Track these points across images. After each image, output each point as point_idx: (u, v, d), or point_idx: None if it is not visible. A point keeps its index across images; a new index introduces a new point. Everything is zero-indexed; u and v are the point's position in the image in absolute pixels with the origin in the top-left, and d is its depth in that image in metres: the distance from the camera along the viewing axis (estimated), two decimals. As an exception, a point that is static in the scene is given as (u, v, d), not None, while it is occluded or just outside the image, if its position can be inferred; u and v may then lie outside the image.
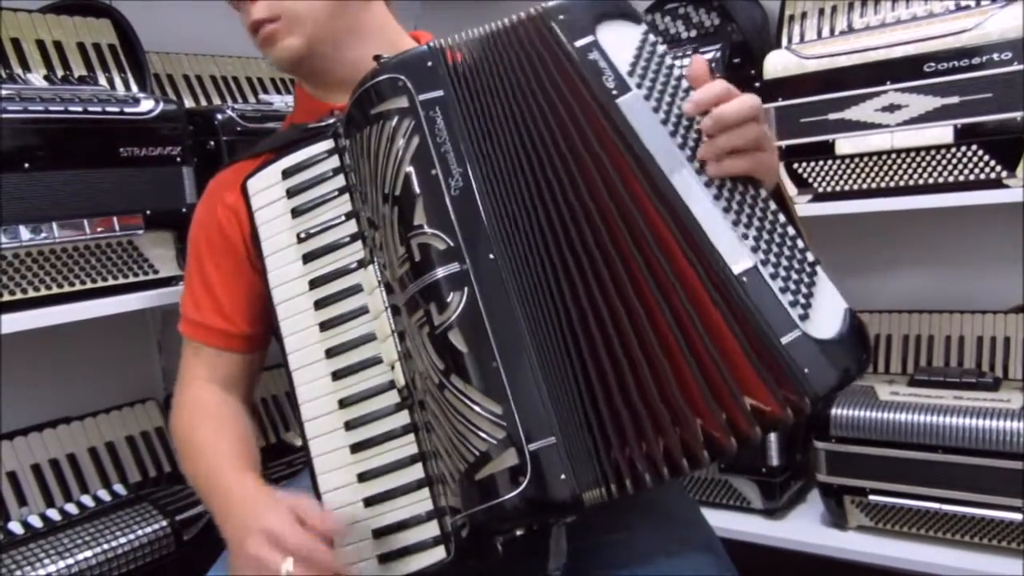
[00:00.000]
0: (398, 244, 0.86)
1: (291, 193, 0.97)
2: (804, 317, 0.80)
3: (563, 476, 0.79)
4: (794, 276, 0.82)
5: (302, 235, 0.96)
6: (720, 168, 0.84)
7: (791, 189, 1.66)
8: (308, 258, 0.95)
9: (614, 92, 0.86)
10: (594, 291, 0.83)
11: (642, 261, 0.83)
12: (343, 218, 0.94)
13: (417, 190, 0.86)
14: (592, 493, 0.80)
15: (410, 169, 0.86)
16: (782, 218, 0.84)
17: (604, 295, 0.83)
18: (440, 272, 0.83)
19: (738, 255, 0.82)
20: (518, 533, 0.81)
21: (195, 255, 1.12)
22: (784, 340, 0.79)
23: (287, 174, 0.98)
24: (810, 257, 0.83)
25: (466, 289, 0.82)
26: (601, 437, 0.81)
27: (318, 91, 1.11)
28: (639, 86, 0.87)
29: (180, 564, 1.38)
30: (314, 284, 0.94)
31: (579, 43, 0.88)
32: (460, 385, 0.81)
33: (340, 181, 0.95)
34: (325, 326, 0.93)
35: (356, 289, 0.92)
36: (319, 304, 0.94)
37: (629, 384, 0.81)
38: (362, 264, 0.92)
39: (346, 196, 0.94)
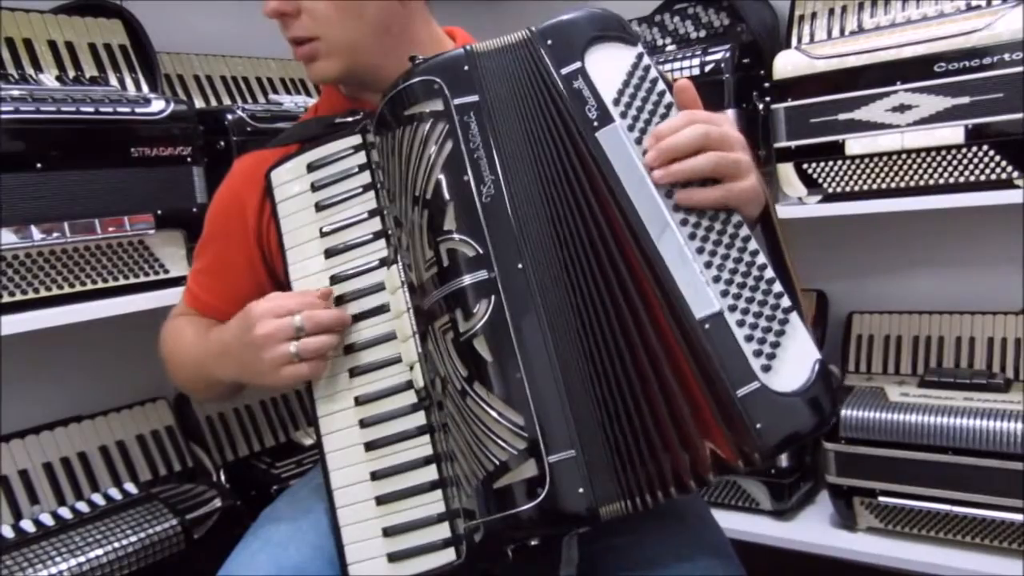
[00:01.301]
0: (426, 247, 0.85)
1: (315, 187, 0.96)
2: (767, 368, 0.79)
3: (581, 489, 0.79)
4: (763, 323, 0.80)
5: (325, 230, 0.95)
6: (689, 199, 0.82)
7: (800, 189, 1.66)
8: (330, 253, 0.95)
9: (595, 124, 0.84)
10: (600, 317, 0.83)
11: (622, 298, 0.82)
12: (367, 215, 0.94)
13: (448, 195, 0.85)
14: (609, 507, 0.80)
15: (442, 174, 0.85)
16: (760, 259, 0.82)
17: (608, 321, 0.83)
18: (467, 279, 0.83)
19: (704, 299, 0.80)
20: (533, 543, 0.81)
21: (210, 233, 1.13)
22: (740, 392, 0.78)
23: (312, 167, 0.97)
24: (784, 303, 0.80)
25: (493, 298, 0.82)
26: (618, 452, 0.81)
27: (350, 90, 1.09)
28: (623, 115, 0.85)
29: (190, 563, 1.39)
30: (335, 280, 0.94)
31: (565, 70, 0.86)
32: (483, 393, 0.81)
33: (365, 178, 0.94)
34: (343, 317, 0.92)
35: (378, 287, 0.92)
36: (339, 300, 0.93)
37: (634, 404, 0.82)
38: (385, 263, 0.92)
39: (371, 193, 0.94)
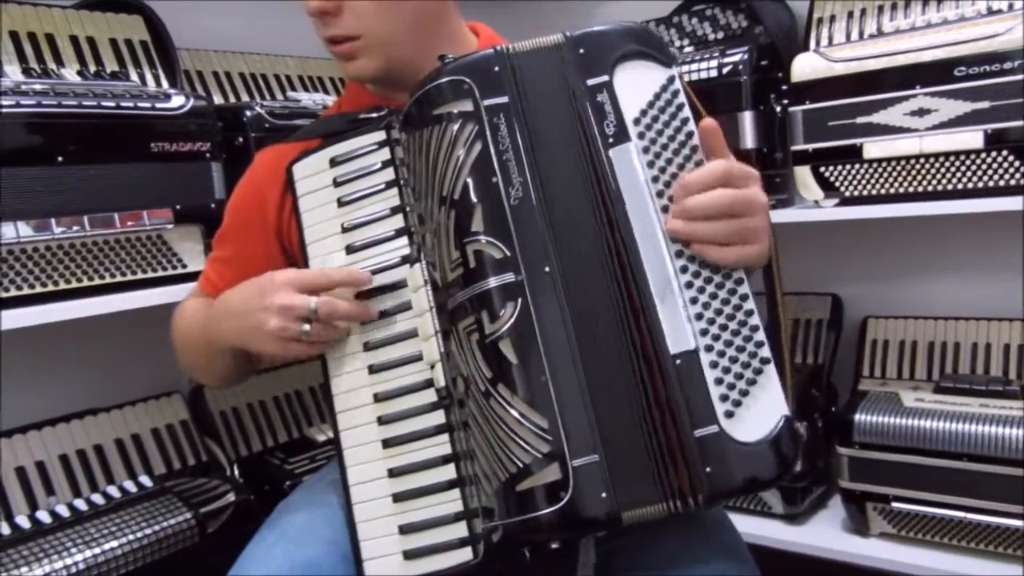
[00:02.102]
0: (452, 248, 0.85)
1: (338, 182, 0.96)
2: (730, 414, 0.79)
3: (604, 494, 0.79)
4: (736, 369, 0.80)
5: (347, 225, 0.95)
6: (701, 254, 0.82)
7: (817, 193, 1.66)
8: (351, 250, 0.95)
9: (610, 140, 0.84)
10: (610, 327, 0.84)
11: (623, 312, 0.83)
12: (389, 212, 0.94)
13: (476, 197, 0.85)
14: (631, 512, 0.80)
15: (470, 175, 0.85)
16: (748, 305, 0.82)
17: (616, 333, 0.83)
18: (493, 281, 0.83)
19: (681, 335, 0.81)
20: (553, 546, 0.82)
21: (230, 224, 1.14)
22: (698, 432, 0.79)
23: (335, 162, 0.97)
24: (763, 353, 0.81)
25: (520, 300, 0.82)
26: (640, 458, 0.81)
27: (378, 87, 1.09)
28: (641, 136, 0.84)
29: (204, 556, 1.39)
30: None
31: (591, 81, 0.86)
32: (507, 395, 0.81)
33: (389, 175, 0.94)
34: (364, 320, 0.93)
35: (399, 284, 0.92)
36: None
37: (642, 415, 0.82)
38: (406, 260, 0.92)
39: (394, 190, 0.94)
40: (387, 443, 0.90)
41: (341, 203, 0.96)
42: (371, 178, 0.95)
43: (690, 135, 0.84)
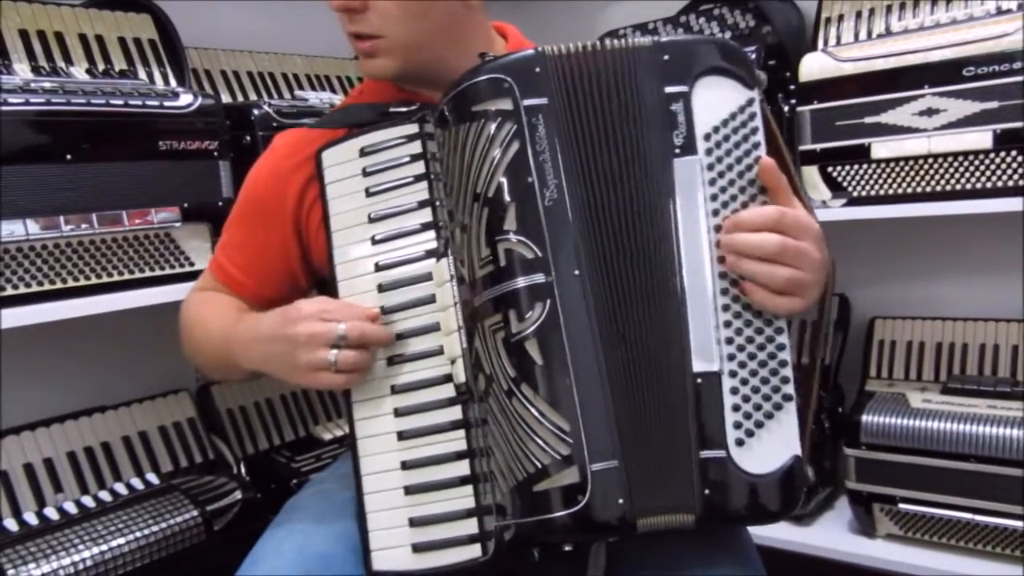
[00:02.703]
0: (483, 245, 0.85)
1: (367, 172, 0.96)
2: (740, 443, 0.79)
3: (620, 500, 0.79)
4: (755, 401, 0.80)
5: (373, 216, 0.95)
6: (746, 294, 0.81)
7: (825, 193, 1.65)
8: (377, 240, 0.94)
9: (676, 150, 0.83)
10: (638, 335, 0.84)
11: (650, 325, 0.83)
12: (416, 205, 0.93)
13: (510, 196, 0.84)
14: (646, 520, 0.80)
15: (506, 174, 0.84)
16: (781, 339, 0.81)
17: (643, 341, 0.84)
18: (522, 281, 0.82)
19: (706, 355, 0.80)
20: (566, 548, 0.82)
21: (245, 207, 1.12)
22: (704, 453, 0.79)
23: (365, 152, 0.96)
24: (786, 390, 0.80)
25: (548, 302, 0.81)
26: (658, 468, 0.81)
27: (402, 83, 1.08)
28: (708, 152, 0.83)
29: (210, 553, 1.40)
30: (380, 267, 0.94)
31: (669, 88, 0.85)
32: (529, 395, 0.80)
33: (419, 168, 0.94)
34: (386, 311, 0.92)
35: (423, 278, 0.92)
36: (382, 288, 0.93)
37: (660, 425, 0.82)
38: (432, 254, 0.92)
39: (423, 184, 0.93)
40: (402, 435, 0.90)
41: (369, 193, 0.95)
42: (401, 170, 0.94)
43: (757, 160, 0.84)
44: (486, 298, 0.84)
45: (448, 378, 0.89)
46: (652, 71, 0.85)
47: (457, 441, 0.88)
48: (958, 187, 1.52)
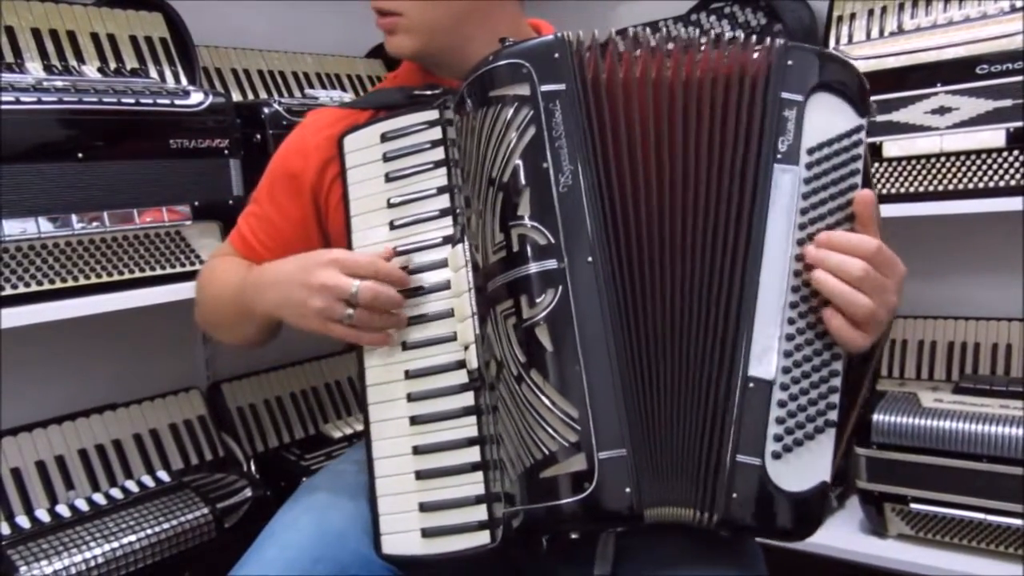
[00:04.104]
0: (497, 231, 0.85)
1: (387, 158, 0.96)
2: (777, 455, 0.78)
3: (628, 489, 0.78)
4: (800, 418, 0.79)
5: (393, 201, 0.95)
6: (824, 321, 0.80)
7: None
8: (394, 225, 0.95)
9: (778, 156, 0.82)
10: (657, 328, 0.83)
11: (695, 319, 0.83)
12: (435, 191, 0.93)
13: (525, 181, 0.84)
14: (653, 511, 0.80)
15: (521, 159, 0.84)
16: (837, 366, 0.81)
17: (661, 332, 0.83)
18: (535, 267, 0.82)
19: (765, 361, 0.80)
20: (573, 536, 0.81)
21: (272, 177, 1.13)
22: (739, 457, 0.78)
23: (386, 137, 0.97)
24: (831, 416, 0.80)
25: (560, 288, 0.81)
26: (672, 459, 0.81)
27: (430, 68, 1.09)
28: (809, 167, 0.83)
29: (220, 551, 1.40)
30: (397, 253, 0.94)
31: (785, 95, 0.84)
32: (539, 381, 0.80)
33: (438, 154, 0.94)
34: (403, 295, 0.92)
35: (440, 264, 0.92)
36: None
37: (673, 419, 0.82)
38: (449, 240, 0.92)
39: (442, 170, 0.93)
40: (414, 420, 0.90)
41: (389, 178, 0.96)
42: (420, 156, 0.95)
43: (853, 188, 0.83)
44: (499, 283, 0.84)
45: (461, 364, 0.89)
46: (773, 71, 0.85)
47: (469, 427, 0.88)
48: (971, 186, 1.51)
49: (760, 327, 0.81)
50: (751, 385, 0.80)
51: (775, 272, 0.81)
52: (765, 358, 0.80)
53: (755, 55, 0.86)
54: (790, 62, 0.85)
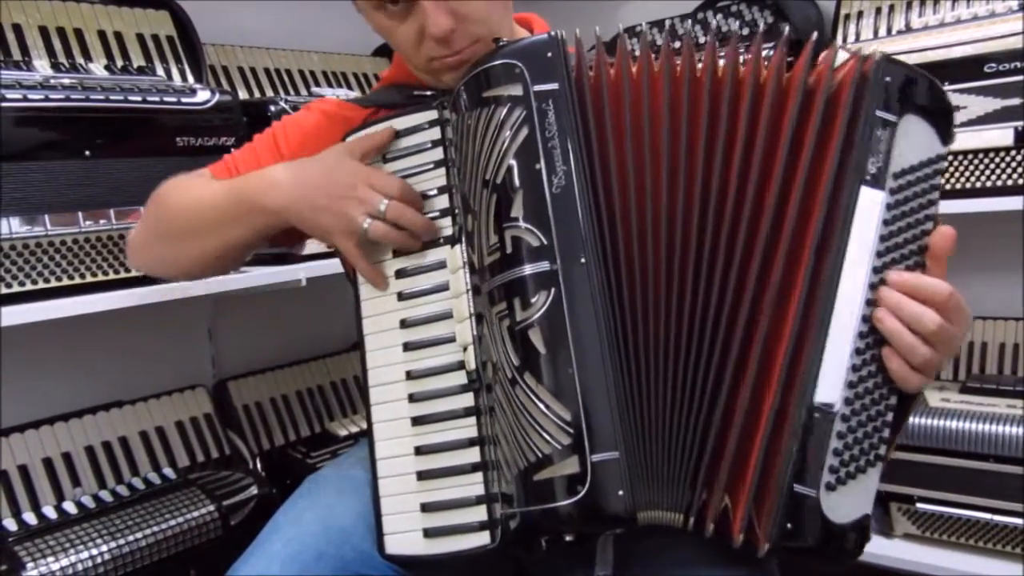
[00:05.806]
0: (491, 232, 0.84)
1: (387, 158, 0.96)
2: (831, 487, 0.77)
3: (621, 492, 0.78)
4: (856, 450, 0.78)
5: None
6: (884, 353, 0.79)
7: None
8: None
9: (868, 177, 0.79)
10: (692, 344, 0.82)
11: (743, 336, 0.81)
12: (436, 191, 0.93)
13: (518, 182, 0.83)
14: (647, 513, 0.80)
15: (514, 160, 0.83)
16: (891, 401, 0.79)
17: (699, 352, 0.82)
18: (528, 269, 0.82)
19: (834, 389, 0.78)
20: (568, 538, 0.81)
21: (266, 136, 1.11)
22: (797, 488, 0.77)
23: None
24: (881, 451, 0.78)
25: (553, 290, 0.81)
26: (668, 464, 0.81)
27: None
28: (892, 192, 0.80)
29: (226, 548, 1.40)
30: (397, 253, 0.94)
31: (880, 113, 0.80)
32: (532, 384, 0.80)
33: (438, 154, 0.93)
34: (403, 296, 0.93)
35: (439, 265, 0.92)
36: (400, 274, 0.93)
37: (684, 430, 0.82)
38: (448, 241, 0.92)
39: (442, 170, 0.93)
40: (416, 421, 0.90)
41: None
42: (421, 156, 0.94)
43: (929, 219, 0.81)
44: (493, 285, 0.84)
45: (461, 365, 0.89)
46: (870, 87, 0.81)
47: (469, 428, 0.88)
48: (979, 185, 1.51)
49: (831, 355, 0.78)
50: (816, 415, 0.78)
51: (851, 298, 0.79)
52: (834, 385, 0.78)
53: (839, 68, 0.83)
54: (888, 79, 0.81)
